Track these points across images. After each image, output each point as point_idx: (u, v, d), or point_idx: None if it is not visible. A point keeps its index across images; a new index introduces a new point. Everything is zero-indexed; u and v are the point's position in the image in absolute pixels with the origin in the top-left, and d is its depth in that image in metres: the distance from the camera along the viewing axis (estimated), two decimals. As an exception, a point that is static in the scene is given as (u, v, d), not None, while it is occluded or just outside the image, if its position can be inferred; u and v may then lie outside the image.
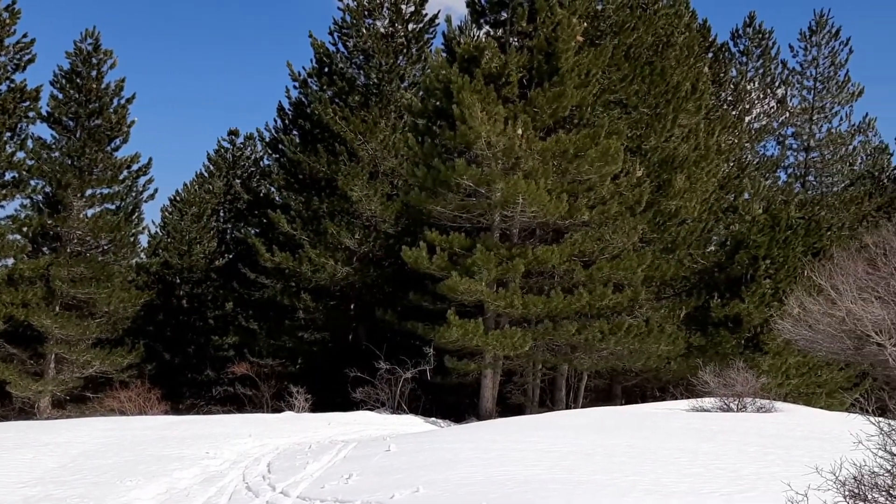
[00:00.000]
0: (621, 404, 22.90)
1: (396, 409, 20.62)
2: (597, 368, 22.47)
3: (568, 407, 22.39)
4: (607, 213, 20.12)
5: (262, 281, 25.48)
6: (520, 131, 18.92)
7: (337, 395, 22.22)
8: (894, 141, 38.63)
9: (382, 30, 26.66)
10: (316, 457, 10.53)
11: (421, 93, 23.35)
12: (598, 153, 19.28)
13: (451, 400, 22.40)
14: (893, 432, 4.93)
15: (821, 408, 20.85)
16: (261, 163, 35.33)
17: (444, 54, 21.98)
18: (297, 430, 14.71)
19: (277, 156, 28.27)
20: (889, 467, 4.92)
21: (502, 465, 8.83)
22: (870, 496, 5.04)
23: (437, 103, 20.62)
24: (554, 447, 10.25)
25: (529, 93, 20.03)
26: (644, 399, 24.63)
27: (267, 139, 29.02)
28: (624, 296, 20.37)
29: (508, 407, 22.39)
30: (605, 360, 21.10)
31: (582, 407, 22.27)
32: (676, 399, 20.54)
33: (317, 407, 21.20)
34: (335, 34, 26.83)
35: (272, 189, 29.38)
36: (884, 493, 4.91)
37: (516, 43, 21.00)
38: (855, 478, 5.02)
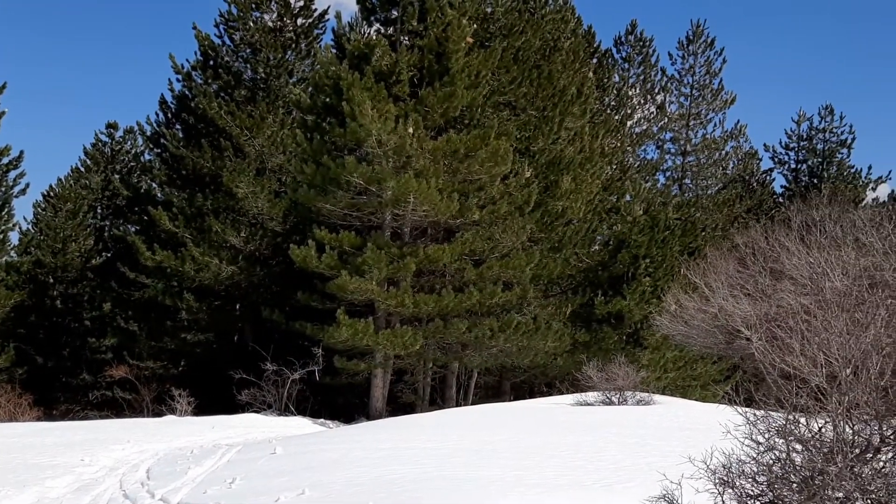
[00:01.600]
0: (510, 400, 23.31)
1: (284, 411, 20.24)
2: (487, 366, 22.78)
3: (458, 404, 22.58)
4: (497, 213, 20.41)
5: (143, 280, 24.47)
6: (411, 130, 18.94)
7: (222, 397, 21.59)
8: (763, 147, 40.90)
9: (270, 24, 26.10)
10: (198, 461, 10.19)
11: (310, 89, 23.00)
12: (488, 154, 19.54)
13: (340, 400, 22.20)
14: (759, 422, 5.18)
15: (695, 400, 21.88)
16: (141, 158, 33.89)
17: (334, 51, 21.76)
18: (178, 434, 14.21)
19: (159, 150, 27.21)
20: (755, 455, 5.17)
21: (391, 464, 8.79)
22: (738, 483, 5.28)
23: (327, 100, 20.38)
24: (443, 445, 10.30)
25: (420, 92, 20.08)
26: (532, 395, 25.16)
27: (148, 133, 27.88)
28: (513, 294, 20.72)
29: (399, 406, 22.39)
30: (495, 357, 21.42)
31: (472, 404, 22.51)
32: (562, 394, 21.07)
33: (200, 410, 20.54)
34: (221, 27, 26.05)
35: (153, 185, 28.26)
36: (750, 479, 5.16)
37: (407, 42, 21.00)
38: (724, 466, 5.25)
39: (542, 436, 11.13)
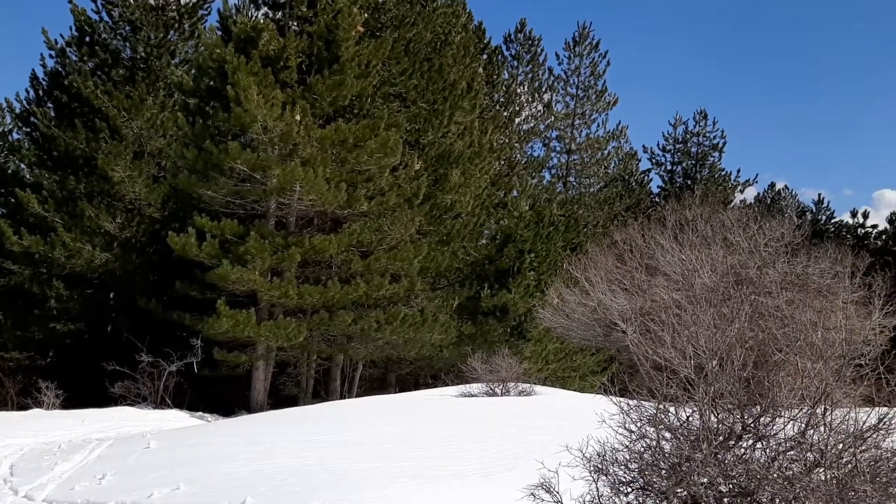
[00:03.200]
0: (395, 392, 23.34)
1: (159, 405, 19.50)
2: (372, 358, 22.70)
3: (343, 397, 22.42)
4: (386, 205, 20.34)
5: (9, 266, 22.94)
6: (298, 117, 18.59)
7: (93, 390, 20.56)
8: (642, 148, 42.56)
9: (152, 1, 24.97)
10: (66, 457, 9.69)
11: (193, 71, 22.18)
12: (377, 144, 19.43)
13: (220, 393, 21.55)
14: (632, 411, 5.36)
15: (574, 390, 22.57)
16: (9, 137, 31.80)
17: (220, 32, 21.06)
18: (45, 428, 13.47)
19: (29, 130, 25.57)
20: (628, 443, 5.35)
21: (271, 457, 8.62)
22: (611, 470, 5.45)
23: (211, 83, 19.73)
24: (326, 437, 10.19)
25: (309, 79, 19.74)
26: (417, 386, 25.30)
27: (17, 111, 26.14)
28: (400, 286, 20.72)
29: (282, 399, 21.99)
30: (381, 349, 21.36)
31: (357, 396, 22.40)
32: (447, 385, 21.27)
33: (70, 403, 19.49)
34: (99, 2, 24.73)
35: (22, 166, 26.57)
36: (622, 466, 5.34)
37: (296, 27, 20.59)
38: (599, 454, 5.40)
39: (425, 427, 11.19)
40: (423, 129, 22.78)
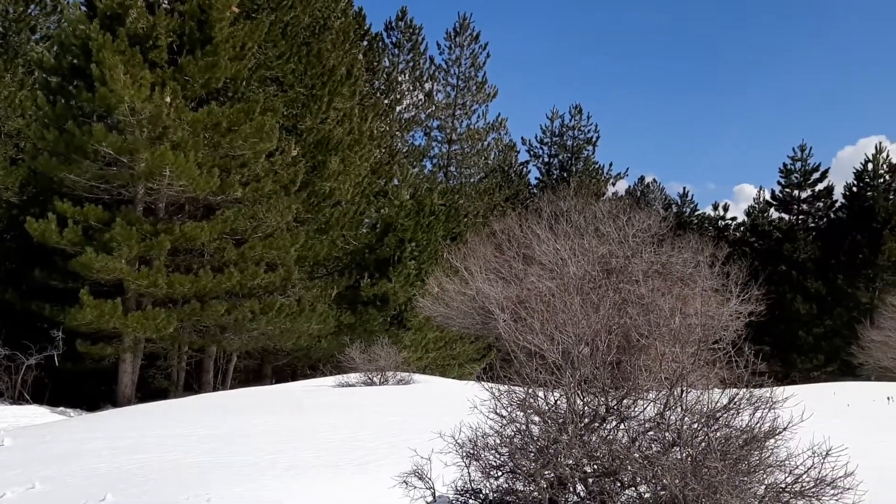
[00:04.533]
0: (272, 384, 22.87)
1: (17, 400, 18.34)
2: (247, 349, 22.16)
3: (216, 389, 21.77)
4: (261, 191, 19.84)
5: None
6: (168, 99, 17.83)
7: (-59, 387, 19.11)
8: (521, 140, 43.45)
9: (9, -29, 23.37)
10: None
11: (55, 48, 20.88)
12: (252, 129, 18.91)
13: (84, 387, 20.50)
14: (502, 396, 5.45)
15: (454, 378, 22.83)
16: None
17: (84, 8, 19.89)
18: None
19: None
20: (498, 428, 5.43)
21: (136, 453, 8.25)
22: (483, 455, 5.52)
23: (74, 61, 18.63)
24: (196, 431, 9.84)
25: (180, 60, 18.95)
26: (295, 377, 24.89)
27: None
28: (276, 275, 20.29)
29: (151, 392, 21.13)
30: (256, 340, 20.88)
31: (231, 388, 21.80)
32: (326, 376, 21.04)
33: (-87, 402, 18.05)
34: (-53, -32, 22.91)
35: None
36: (493, 451, 5.42)
37: (167, 5, 19.68)
38: (471, 440, 5.46)
39: (300, 418, 11.01)
40: (300, 114, 22.35)
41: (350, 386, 16.77)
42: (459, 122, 37.63)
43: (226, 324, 19.82)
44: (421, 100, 37.05)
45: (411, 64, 36.91)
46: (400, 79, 35.46)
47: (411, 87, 36.83)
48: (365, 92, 27.14)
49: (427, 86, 37.23)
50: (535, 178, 43.28)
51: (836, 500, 4.65)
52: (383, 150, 29.07)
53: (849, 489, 4.61)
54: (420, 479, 5.55)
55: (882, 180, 39.46)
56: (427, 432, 7.73)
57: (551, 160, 43.26)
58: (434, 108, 37.18)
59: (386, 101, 31.87)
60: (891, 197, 38.88)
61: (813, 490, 4.69)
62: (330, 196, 22.84)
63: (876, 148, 40.57)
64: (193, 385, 22.44)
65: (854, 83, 72.02)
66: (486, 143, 38.34)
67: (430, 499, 5.54)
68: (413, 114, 36.77)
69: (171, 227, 18.61)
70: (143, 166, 17.78)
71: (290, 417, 11.20)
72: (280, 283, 20.71)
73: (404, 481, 5.44)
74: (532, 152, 43.42)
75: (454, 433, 5.48)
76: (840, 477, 4.63)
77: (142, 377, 20.48)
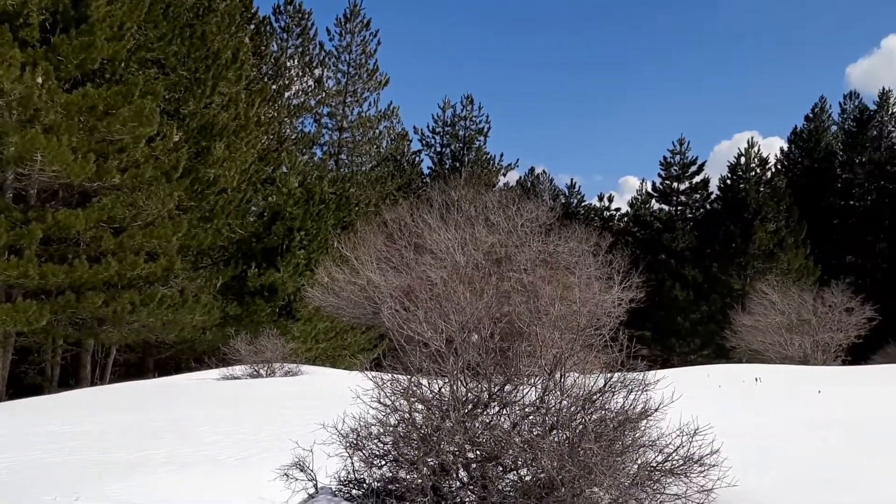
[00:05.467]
0: (154, 377, 22.06)
1: None
2: (127, 342, 21.31)
3: (94, 384, 20.83)
4: (141, 178, 19.05)
5: None
6: (40, 80, 16.83)
7: None
8: (413, 129, 43.47)
9: None
10: None
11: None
12: (131, 112, 18.10)
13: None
14: (386, 385, 5.42)
15: (345, 368, 22.67)
16: None
17: (-57, -22, 18.48)
18: None
19: None
20: (381, 417, 5.41)
21: (1, 452, 7.77)
22: (366, 444, 5.49)
23: (-68, 35, 17.29)
24: (66, 429, 9.37)
25: (53, 39, 17.92)
26: (179, 370, 24.09)
27: None
28: (158, 265, 19.56)
29: (23, 388, 20.03)
30: (137, 332, 20.09)
31: (110, 383, 20.90)
32: (211, 369, 20.48)
33: None
34: None
35: None
36: (376, 440, 5.39)
37: (37, -21, 18.56)
38: (354, 430, 5.42)
39: (181, 413, 10.66)
40: (183, 98, 21.57)
41: (235, 378, 16.39)
42: (350, 109, 37.25)
43: (104, 316, 18.96)
44: (311, 86, 36.42)
45: (300, 49, 36.20)
46: (289, 64, 34.73)
47: (300, 73, 36.14)
48: (252, 77, 26.45)
49: (317, 72, 36.64)
50: (428, 168, 43.44)
51: (703, 476, 4.87)
52: (271, 137, 28.45)
53: (714, 466, 4.84)
54: (302, 470, 5.47)
55: (753, 173, 41.68)
56: (312, 424, 7.64)
57: (443, 150, 43.49)
58: (324, 94, 36.63)
59: (274, 87, 31.17)
60: (761, 189, 41.12)
61: (682, 468, 4.90)
62: (214, 183, 22.17)
63: (748, 143, 42.86)
64: (70, 380, 21.40)
65: (732, 82, 75.79)
66: (377, 131, 38.10)
67: (312, 490, 5.47)
68: (302, 100, 36.11)
69: (44, 214, 17.61)
70: (13, 150, 16.73)
71: (170, 412, 10.83)
72: (161, 273, 19.97)
73: (285, 474, 5.35)
74: (424, 142, 43.55)
75: (336, 423, 5.42)
76: (706, 454, 4.85)
77: (12, 373, 19.38)
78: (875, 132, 46.06)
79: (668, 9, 75.36)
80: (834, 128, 48.08)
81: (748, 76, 77.99)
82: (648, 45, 75.82)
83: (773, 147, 74.53)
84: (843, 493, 5.77)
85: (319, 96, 36.53)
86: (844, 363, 26.22)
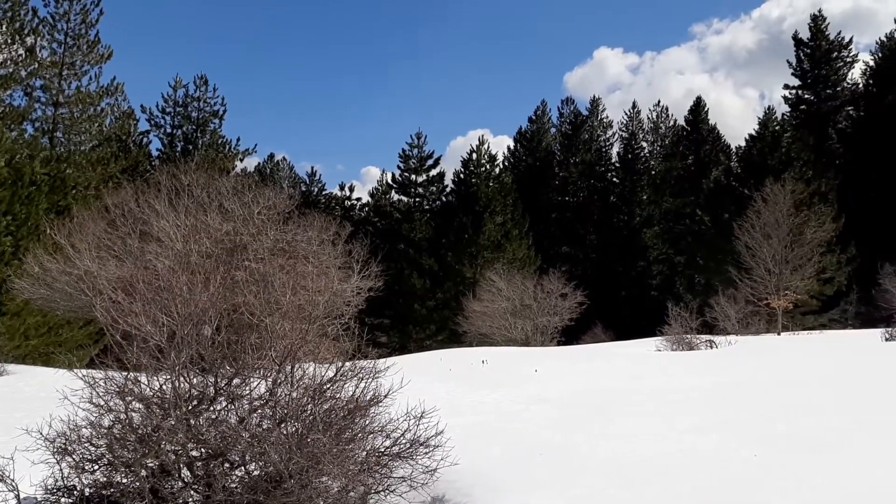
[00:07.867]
0: None
1: None
2: None
3: None
4: None
5: None
6: None
7: None
8: (140, 108, 40.61)
9: None
10: None
11: None
12: None
13: None
14: (98, 384, 5.00)
15: (60, 367, 20.69)
16: None
17: None
18: None
19: None
20: (93, 419, 4.98)
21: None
22: (76, 449, 5.04)
23: None
24: None
25: None
26: None
27: None
28: None
29: None
30: None
31: None
32: None
33: None
34: None
35: None
36: (86, 443, 4.96)
37: None
38: (61, 433, 4.96)
39: None
40: None
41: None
42: (68, 83, 33.91)
43: None
44: (21, 55, 32.59)
45: (10, 14, 32.26)
46: (-6, 29, 30.84)
47: (9, 41, 32.20)
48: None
49: (29, 40, 32.84)
50: (157, 150, 40.92)
51: (428, 457, 5.05)
52: (-30, 109, 25.11)
53: (438, 447, 5.04)
54: (1, 480, 4.90)
55: (484, 169, 44.30)
56: (13, 429, 6.87)
57: (174, 131, 41.21)
58: (37, 65, 32.96)
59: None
60: (490, 184, 43.83)
61: (408, 451, 5.04)
62: None
63: (479, 140, 45.47)
64: None
65: (468, 81, 79.90)
66: (99, 108, 35.05)
67: (13, 502, 4.93)
68: (11, 70, 32.22)
69: None
70: None
71: None
72: None
73: (-23, 487, 4.75)
74: (153, 122, 40.95)
75: (41, 427, 4.93)
76: (431, 436, 5.04)
77: None
78: (587, 135, 51.10)
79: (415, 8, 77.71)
80: (553, 130, 52.62)
81: (482, 77, 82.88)
82: (393, 38, 77.66)
83: (502, 145, 79.91)
84: (555, 462, 6.30)
85: (31, 67, 32.82)
86: (559, 344, 28.85)
